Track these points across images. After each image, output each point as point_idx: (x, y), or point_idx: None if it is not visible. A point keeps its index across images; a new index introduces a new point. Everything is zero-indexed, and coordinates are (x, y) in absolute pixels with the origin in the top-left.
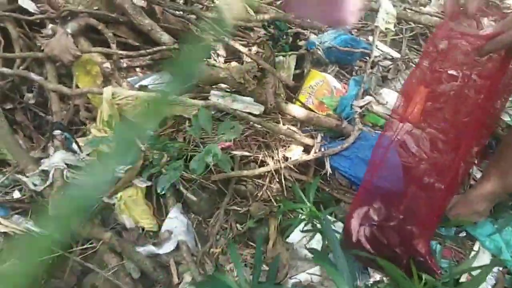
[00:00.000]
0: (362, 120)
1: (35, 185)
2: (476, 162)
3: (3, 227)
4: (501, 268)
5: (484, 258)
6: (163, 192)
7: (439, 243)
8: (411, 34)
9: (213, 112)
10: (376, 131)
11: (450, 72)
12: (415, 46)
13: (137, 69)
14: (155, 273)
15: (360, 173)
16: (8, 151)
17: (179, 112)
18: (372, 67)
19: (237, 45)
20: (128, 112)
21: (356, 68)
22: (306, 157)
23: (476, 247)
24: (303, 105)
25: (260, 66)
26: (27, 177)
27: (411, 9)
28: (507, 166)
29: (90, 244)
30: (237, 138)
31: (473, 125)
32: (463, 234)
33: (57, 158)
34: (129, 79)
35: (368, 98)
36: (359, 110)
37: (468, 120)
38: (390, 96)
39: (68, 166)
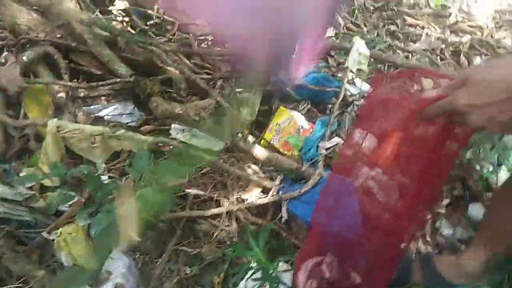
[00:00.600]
0: (329, 162)
1: None
2: (444, 213)
3: None
4: None
5: None
6: (95, 234)
7: None
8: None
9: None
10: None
11: None
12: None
13: (102, 98)
14: None
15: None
16: None
17: (128, 147)
18: (347, 106)
19: (198, 80)
20: (74, 146)
21: (330, 106)
22: (262, 200)
23: None
24: (268, 144)
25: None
26: None
27: (396, 47)
28: (492, 233)
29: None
30: (193, 176)
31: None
32: None
33: None
34: (90, 108)
35: (335, 139)
36: (324, 152)
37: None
38: (360, 139)
39: (4, 200)
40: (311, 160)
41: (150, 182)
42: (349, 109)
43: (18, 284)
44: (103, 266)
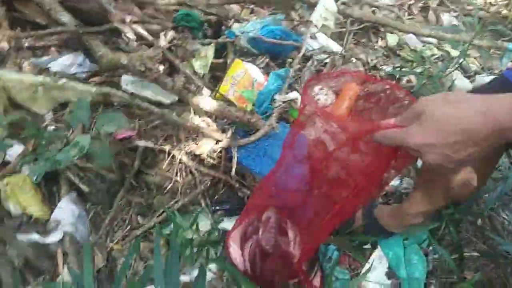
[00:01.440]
0: (285, 116)
1: None
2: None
3: None
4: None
5: (379, 270)
6: (37, 181)
7: (337, 249)
8: (359, 28)
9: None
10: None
11: None
12: (364, 40)
13: (52, 49)
14: (38, 262)
15: (267, 172)
16: None
17: (72, 97)
18: (307, 60)
19: (142, 30)
20: (17, 96)
21: (290, 60)
22: (212, 148)
23: (372, 257)
24: (223, 97)
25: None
26: None
27: (364, 1)
28: (428, 189)
29: None
30: (143, 128)
31: None
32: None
33: None
34: (39, 59)
35: (293, 94)
36: (279, 105)
37: None
38: (317, 92)
39: None
40: (265, 113)
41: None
42: (308, 63)
43: None
44: (52, 215)
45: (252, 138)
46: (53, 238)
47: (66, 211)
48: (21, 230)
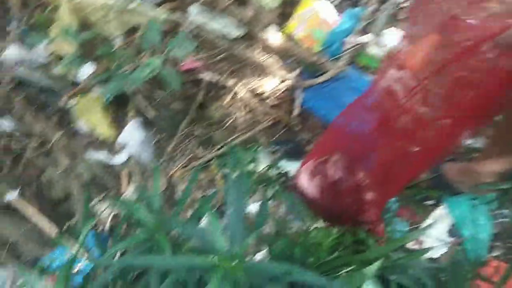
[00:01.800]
0: (354, 60)
1: None
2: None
3: None
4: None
5: (441, 227)
6: (108, 101)
7: (398, 201)
8: None
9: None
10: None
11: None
12: None
13: None
14: (105, 179)
15: (331, 116)
16: None
17: (142, 22)
18: (383, 2)
19: None
20: (89, 18)
21: (364, 1)
22: (277, 87)
23: (435, 214)
24: (290, 36)
25: None
26: None
27: None
28: (507, 147)
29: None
30: (209, 61)
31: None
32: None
33: (9, 52)
34: None
35: (365, 37)
36: (350, 48)
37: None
38: (393, 39)
39: (22, 62)
40: (334, 55)
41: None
42: (386, 4)
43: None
44: (118, 137)
45: (320, 79)
46: (119, 158)
47: (132, 135)
48: (91, 148)
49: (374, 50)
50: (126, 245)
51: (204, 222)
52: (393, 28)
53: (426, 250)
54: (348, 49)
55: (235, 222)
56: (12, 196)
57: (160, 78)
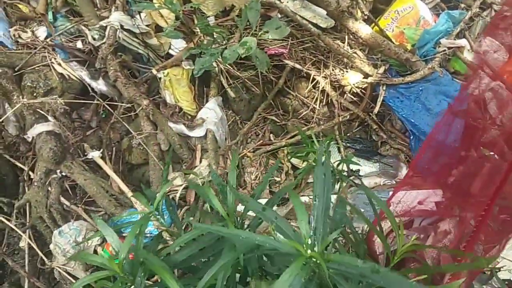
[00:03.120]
0: (445, 64)
1: (94, 39)
2: None
3: (61, 68)
4: None
5: None
6: (198, 75)
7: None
8: None
9: (279, 16)
10: (455, 80)
11: None
12: None
13: None
14: (180, 150)
15: (414, 118)
16: (79, 3)
17: (239, 3)
18: (484, 9)
19: None
20: None
21: (462, 6)
22: (359, 80)
23: None
24: (381, 32)
25: None
26: (89, 29)
27: None
28: None
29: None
30: (293, 48)
31: None
32: None
33: (114, 18)
34: None
35: (462, 41)
36: (444, 50)
37: None
38: (489, 48)
39: (124, 28)
40: (425, 57)
41: (254, 35)
42: (485, 13)
43: (127, 106)
44: (199, 113)
45: (408, 78)
46: (197, 132)
47: (212, 112)
48: (172, 120)
49: (468, 56)
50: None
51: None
52: (489, 37)
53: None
54: (442, 51)
55: (320, 215)
56: (95, 154)
57: (248, 59)
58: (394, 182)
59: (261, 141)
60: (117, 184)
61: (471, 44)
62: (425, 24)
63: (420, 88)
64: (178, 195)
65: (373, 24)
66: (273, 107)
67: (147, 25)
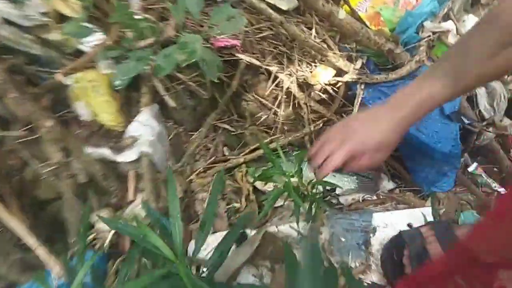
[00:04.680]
0: (429, 52)
1: None
2: None
3: None
4: None
5: None
6: (120, 87)
7: None
8: None
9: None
10: None
11: None
12: None
13: None
14: (105, 182)
15: None
16: None
17: None
18: None
19: None
20: None
21: None
22: (331, 78)
23: None
24: (352, 12)
25: None
26: None
27: None
28: None
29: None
30: (248, 38)
31: None
32: None
33: None
34: None
35: (448, 24)
36: (429, 36)
37: None
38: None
39: (10, 22)
40: (407, 44)
41: (198, 30)
42: None
43: (23, 130)
44: (128, 129)
45: (393, 75)
46: (126, 156)
47: (146, 128)
48: (91, 142)
49: (452, 41)
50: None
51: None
52: (471, 15)
53: None
54: (426, 37)
55: None
56: None
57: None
58: (375, 197)
59: (214, 157)
60: (23, 236)
61: (457, 27)
62: (406, 3)
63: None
64: (107, 242)
65: (342, 3)
66: (225, 112)
67: (44, 14)
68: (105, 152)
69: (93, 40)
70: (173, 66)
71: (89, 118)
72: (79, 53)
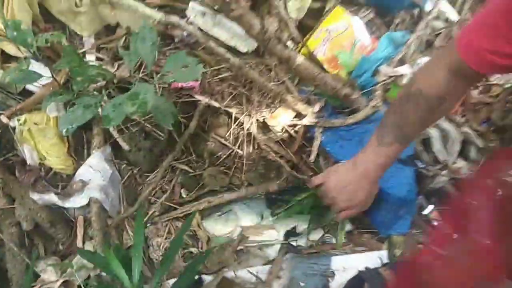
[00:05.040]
0: (384, 95)
1: None
2: None
3: None
4: None
5: None
6: (66, 135)
7: None
8: None
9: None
10: None
11: None
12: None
13: None
14: (52, 229)
15: None
16: None
17: (127, 22)
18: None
19: None
20: (53, 6)
21: (398, 21)
22: (292, 122)
23: None
24: (310, 55)
25: None
26: None
27: None
28: None
29: None
30: (207, 80)
31: None
32: None
33: None
34: None
35: (404, 68)
36: (384, 80)
37: None
38: None
39: None
40: (363, 88)
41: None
42: (421, 29)
43: None
44: (77, 172)
45: (350, 120)
46: (75, 202)
47: (96, 173)
48: (36, 187)
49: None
50: None
51: None
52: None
53: None
54: (382, 81)
55: None
56: None
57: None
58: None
59: (173, 199)
60: None
61: (413, 70)
62: (362, 48)
63: (362, 130)
64: None
65: (300, 46)
66: (183, 152)
67: None
68: (52, 198)
69: (43, 79)
70: (122, 117)
71: (36, 162)
72: (26, 92)
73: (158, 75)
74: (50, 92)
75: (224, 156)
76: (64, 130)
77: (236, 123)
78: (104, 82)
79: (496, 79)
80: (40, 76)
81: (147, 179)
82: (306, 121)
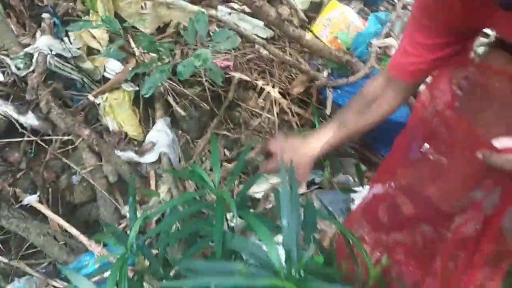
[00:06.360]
0: (378, 62)
1: (18, 68)
2: None
3: None
4: None
5: None
6: (147, 95)
7: None
8: None
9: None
10: None
11: None
12: None
13: None
14: (131, 180)
15: None
16: None
17: (178, 18)
18: (403, 8)
19: None
20: (123, 10)
21: (382, 9)
22: (306, 86)
23: None
24: (315, 37)
25: None
26: (11, 59)
27: None
28: None
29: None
30: (238, 60)
31: None
32: None
33: (42, 43)
34: None
35: (390, 40)
36: (376, 50)
37: None
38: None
39: (54, 54)
40: (360, 57)
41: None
42: (401, 12)
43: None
44: (147, 137)
45: (352, 78)
46: (149, 158)
47: (162, 134)
48: (119, 147)
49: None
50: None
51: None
52: None
53: None
54: (374, 51)
55: (291, 238)
56: (32, 199)
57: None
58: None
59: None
60: (65, 228)
61: (398, 42)
62: (355, 28)
63: (363, 85)
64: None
65: (308, 31)
66: (222, 122)
67: (78, 48)
68: (132, 155)
69: (115, 67)
70: (192, 70)
71: (116, 129)
72: (105, 78)
73: (211, 43)
74: (133, 67)
75: (256, 123)
76: (145, 91)
77: (263, 94)
78: (167, 60)
79: None
80: (121, 54)
81: (198, 143)
82: (318, 83)
